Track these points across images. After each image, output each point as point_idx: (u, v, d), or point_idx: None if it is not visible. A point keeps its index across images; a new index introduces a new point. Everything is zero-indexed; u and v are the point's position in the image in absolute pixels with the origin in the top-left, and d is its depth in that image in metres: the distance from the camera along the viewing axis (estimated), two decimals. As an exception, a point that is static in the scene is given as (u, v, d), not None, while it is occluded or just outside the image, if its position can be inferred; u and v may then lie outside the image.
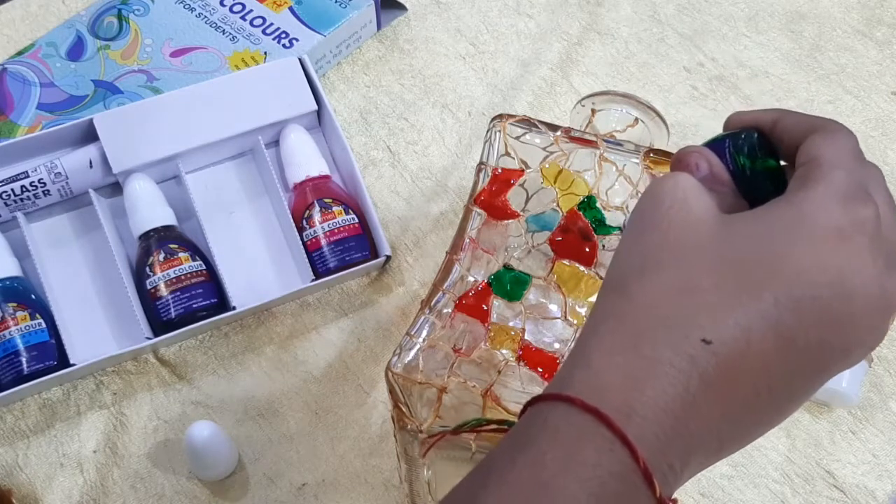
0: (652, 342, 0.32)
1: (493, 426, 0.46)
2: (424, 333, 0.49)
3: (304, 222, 0.64)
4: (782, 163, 0.38)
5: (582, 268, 0.51)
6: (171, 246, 0.62)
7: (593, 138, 0.53)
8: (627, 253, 0.36)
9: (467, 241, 0.52)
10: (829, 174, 0.34)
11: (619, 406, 0.31)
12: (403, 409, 0.48)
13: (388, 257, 0.64)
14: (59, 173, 0.63)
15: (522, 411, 0.35)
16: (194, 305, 0.61)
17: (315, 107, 0.68)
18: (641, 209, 0.37)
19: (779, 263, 0.33)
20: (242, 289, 0.62)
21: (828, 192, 0.33)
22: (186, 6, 0.74)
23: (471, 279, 0.52)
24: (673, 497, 0.33)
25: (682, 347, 0.32)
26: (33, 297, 0.61)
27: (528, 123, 0.54)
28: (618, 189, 0.53)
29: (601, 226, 0.52)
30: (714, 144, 0.39)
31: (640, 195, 0.40)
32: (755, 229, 0.34)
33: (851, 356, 0.34)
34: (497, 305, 0.51)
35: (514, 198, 0.53)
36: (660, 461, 0.31)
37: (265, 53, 0.71)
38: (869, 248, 0.33)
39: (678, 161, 0.38)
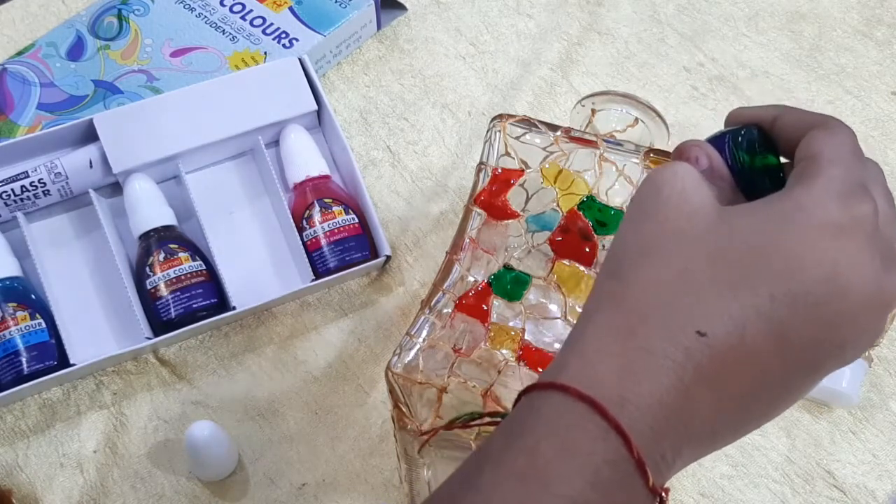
0: (647, 333, 0.33)
1: (487, 419, 0.46)
2: (424, 333, 0.49)
3: (304, 222, 0.64)
4: (782, 160, 0.38)
5: (582, 268, 0.51)
6: (171, 246, 0.62)
7: (593, 138, 0.53)
8: (625, 241, 0.36)
9: (467, 241, 0.52)
10: (828, 170, 0.34)
11: (614, 396, 0.32)
12: (403, 409, 0.48)
13: (388, 257, 0.64)
14: (59, 173, 0.63)
15: (517, 400, 0.35)
16: (194, 305, 0.61)
17: (315, 107, 0.68)
18: (640, 197, 0.36)
19: (775, 258, 0.33)
20: (242, 289, 0.62)
21: (826, 188, 0.33)
22: (186, 6, 0.74)
23: (471, 279, 0.52)
24: (665, 486, 0.33)
25: (678, 339, 0.32)
26: (33, 297, 0.61)
27: (528, 123, 0.54)
28: (618, 189, 0.53)
29: (601, 226, 0.52)
30: (715, 140, 0.39)
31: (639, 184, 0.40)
32: (752, 222, 0.34)
33: (847, 353, 0.34)
34: (497, 305, 0.51)
35: (514, 198, 0.53)
36: (653, 451, 0.32)
37: (265, 53, 0.71)
38: (866, 246, 0.33)
39: (679, 153, 0.38)
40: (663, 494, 0.33)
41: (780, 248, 0.33)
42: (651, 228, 0.35)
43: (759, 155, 0.38)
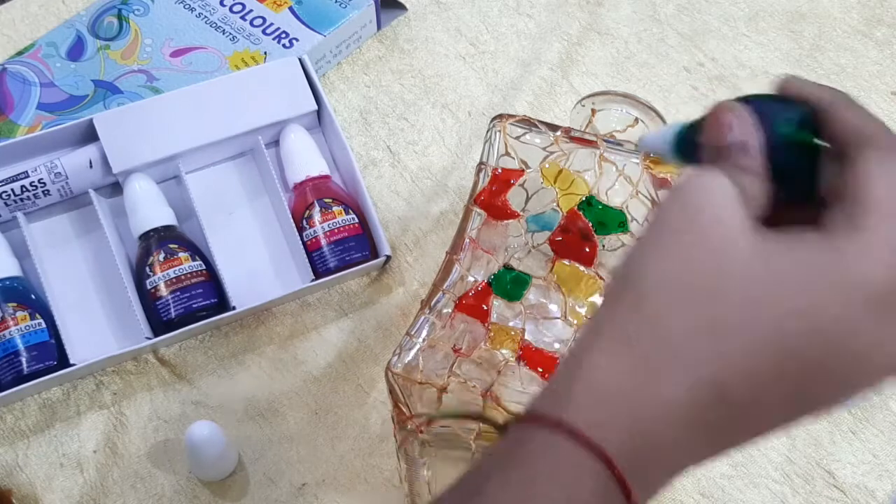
0: (659, 375, 0.31)
1: (481, 425, 0.46)
2: (424, 333, 0.49)
3: (304, 222, 0.64)
4: (821, 143, 0.35)
5: (582, 268, 0.51)
6: (171, 246, 0.62)
7: (593, 138, 0.53)
8: (646, 262, 0.33)
9: (467, 241, 0.52)
10: (883, 225, 0.31)
11: (620, 445, 0.31)
12: (403, 409, 0.48)
13: (388, 257, 0.64)
14: (59, 173, 0.63)
15: (515, 421, 0.33)
16: (194, 305, 0.61)
17: (315, 107, 0.68)
18: (667, 214, 0.33)
19: (807, 318, 0.31)
20: (242, 289, 0.62)
21: (878, 251, 0.30)
22: (186, 6, 0.74)
23: (471, 279, 0.52)
24: None
25: (692, 388, 0.31)
26: (33, 297, 0.61)
27: (528, 123, 0.54)
28: (618, 189, 0.53)
29: (601, 226, 0.52)
30: (760, 104, 0.35)
31: (660, 196, 0.39)
32: (789, 269, 0.31)
33: (845, 405, 0.34)
34: (497, 305, 0.51)
35: (514, 198, 0.53)
36: (644, 490, 0.31)
37: (265, 53, 0.71)
38: None
39: (713, 117, 0.36)
40: None
41: (814, 310, 0.31)
42: (678, 256, 0.32)
43: (807, 139, 0.34)
